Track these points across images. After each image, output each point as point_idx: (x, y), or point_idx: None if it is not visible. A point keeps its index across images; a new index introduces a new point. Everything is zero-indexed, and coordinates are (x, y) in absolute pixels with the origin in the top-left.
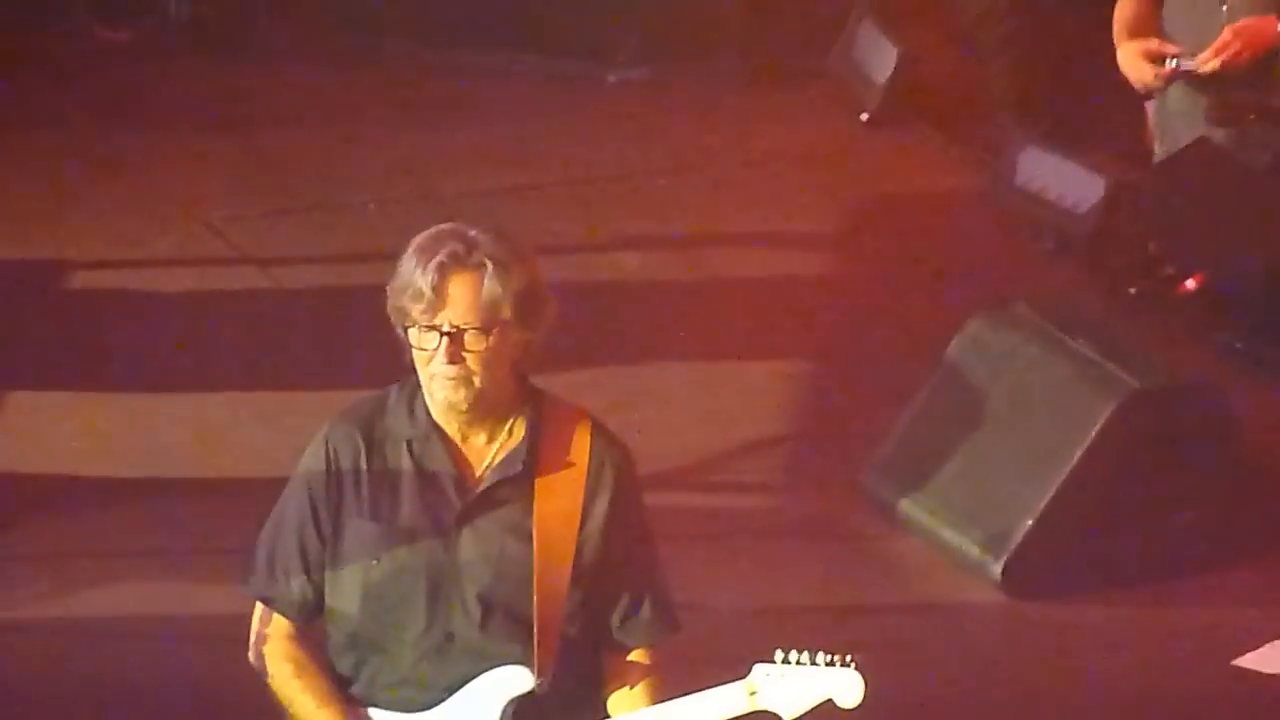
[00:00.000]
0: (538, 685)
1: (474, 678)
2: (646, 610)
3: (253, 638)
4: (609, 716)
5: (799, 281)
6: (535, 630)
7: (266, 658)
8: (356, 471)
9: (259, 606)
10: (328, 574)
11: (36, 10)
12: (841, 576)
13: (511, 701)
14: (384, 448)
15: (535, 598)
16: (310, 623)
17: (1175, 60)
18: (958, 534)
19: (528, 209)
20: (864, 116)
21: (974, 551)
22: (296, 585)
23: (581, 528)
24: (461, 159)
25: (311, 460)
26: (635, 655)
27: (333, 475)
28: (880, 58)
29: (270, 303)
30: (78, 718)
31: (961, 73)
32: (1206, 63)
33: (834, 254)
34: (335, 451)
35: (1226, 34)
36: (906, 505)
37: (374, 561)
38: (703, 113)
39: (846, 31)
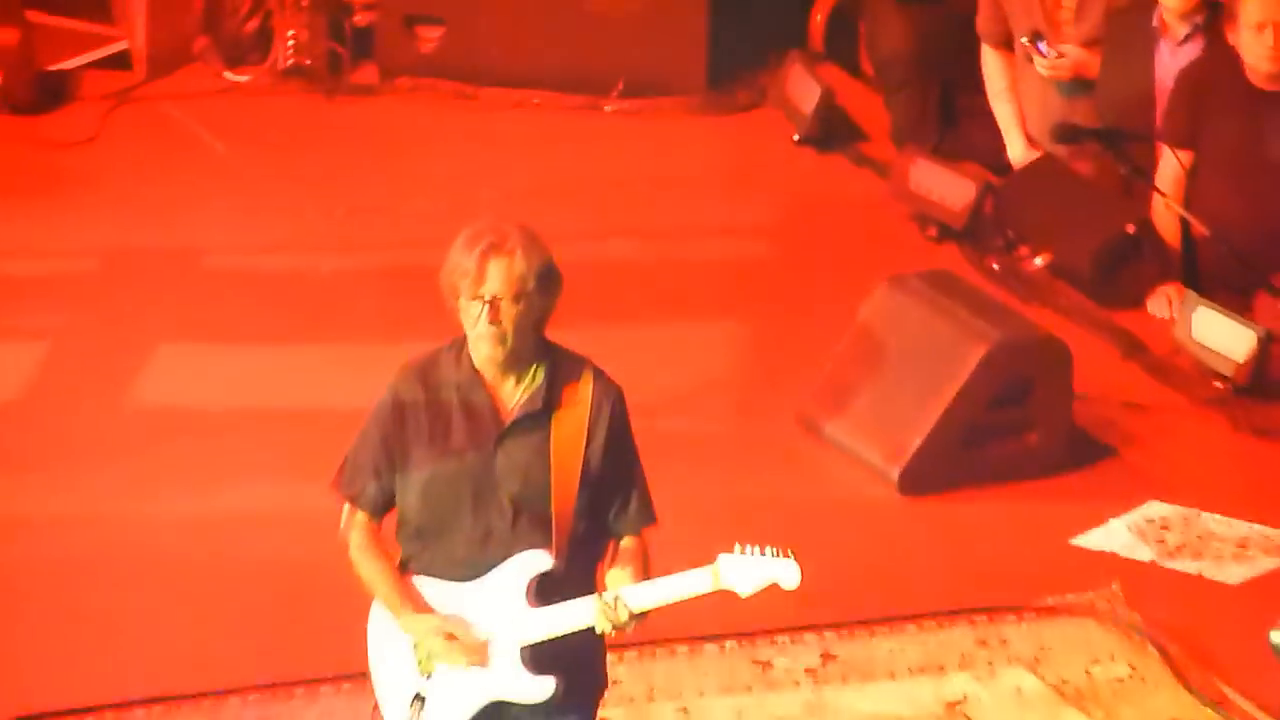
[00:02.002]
0: (554, 565)
1: (507, 559)
2: (634, 508)
3: (340, 526)
4: (607, 589)
5: (748, 262)
6: (553, 525)
7: (350, 541)
8: (417, 408)
9: (345, 504)
10: (396, 483)
11: (181, 56)
12: (782, 483)
13: (535, 577)
14: (438, 391)
15: (552, 501)
16: (380, 517)
17: (1033, 40)
18: (867, 449)
19: (543, 207)
20: (795, 138)
21: (879, 462)
22: (372, 490)
23: (586, 449)
24: (493, 170)
25: (384, 399)
26: (625, 542)
27: (399, 410)
28: (808, 93)
29: (350, 280)
30: (217, 587)
31: (868, 105)
32: (1048, 74)
33: (774, 241)
34: (401, 393)
35: (1062, 58)
36: (830, 428)
37: (431, 475)
38: (673, 135)
39: (781, 73)
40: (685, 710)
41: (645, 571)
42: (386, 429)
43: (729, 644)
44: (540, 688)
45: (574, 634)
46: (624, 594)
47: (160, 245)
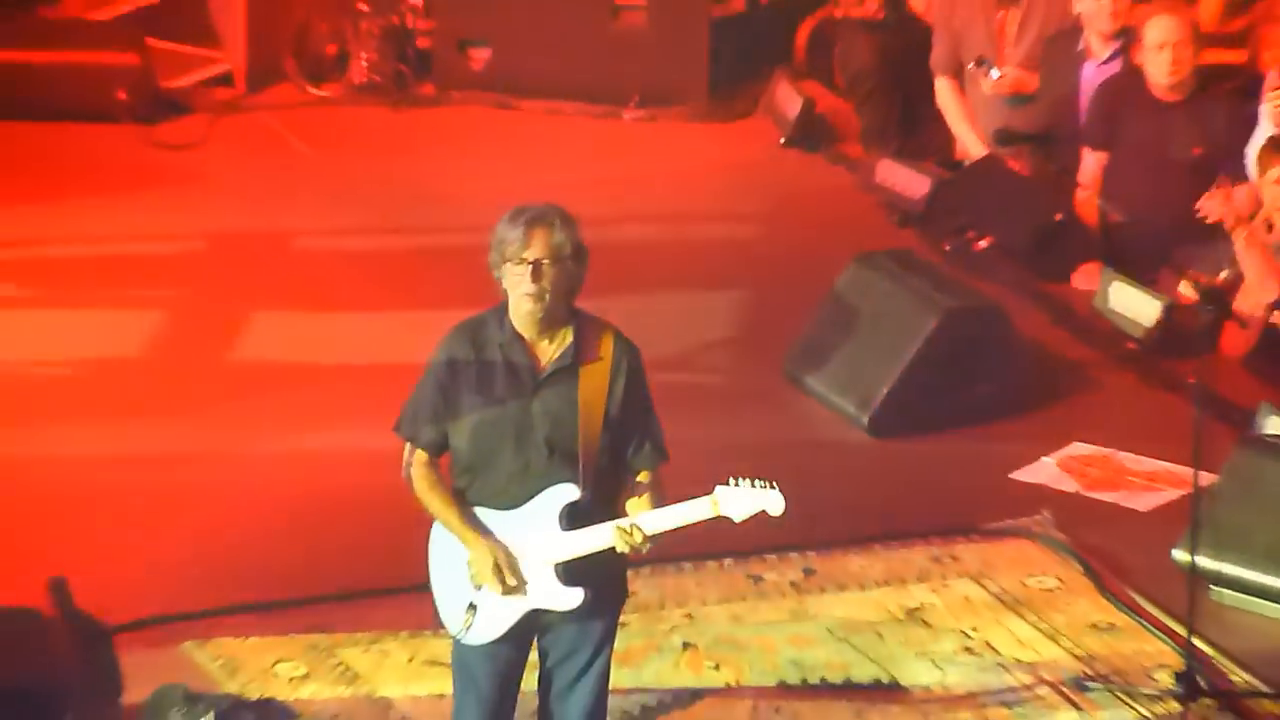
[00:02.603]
0: (581, 496)
1: (542, 491)
2: (648, 448)
3: (403, 463)
4: (625, 515)
5: (742, 242)
6: (580, 462)
7: (412, 476)
8: (467, 362)
9: (407, 444)
10: (450, 426)
11: (274, 74)
12: (770, 426)
13: (565, 506)
14: (484, 348)
15: (579, 441)
16: (437, 456)
17: (979, 63)
18: (842, 398)
19: (572, 197)
20: (781, 140)
21: (851, 409)
22: (429, 431)
23: (608, 398)
24: (531, 167)
25: (439, 355)
26: (642, 476)
27: (452, 365)
28: (792, 103)
29: (411, 257)
30: (306, 510)
31: (842, 113)
32: (992, 91)
33: (763, 225)
34: (454, 350)
35: (1004, 77)
36: (811, 380)
37: (479, 419)
38: (680, 138)
39: (770, 86)
40: (690, 616)
41: (660, 501)
42: (441, 380)
43: (727, 561)
44: (571, 597)
45: (598, 553)
46: (639, 520)
47: (256, 229)
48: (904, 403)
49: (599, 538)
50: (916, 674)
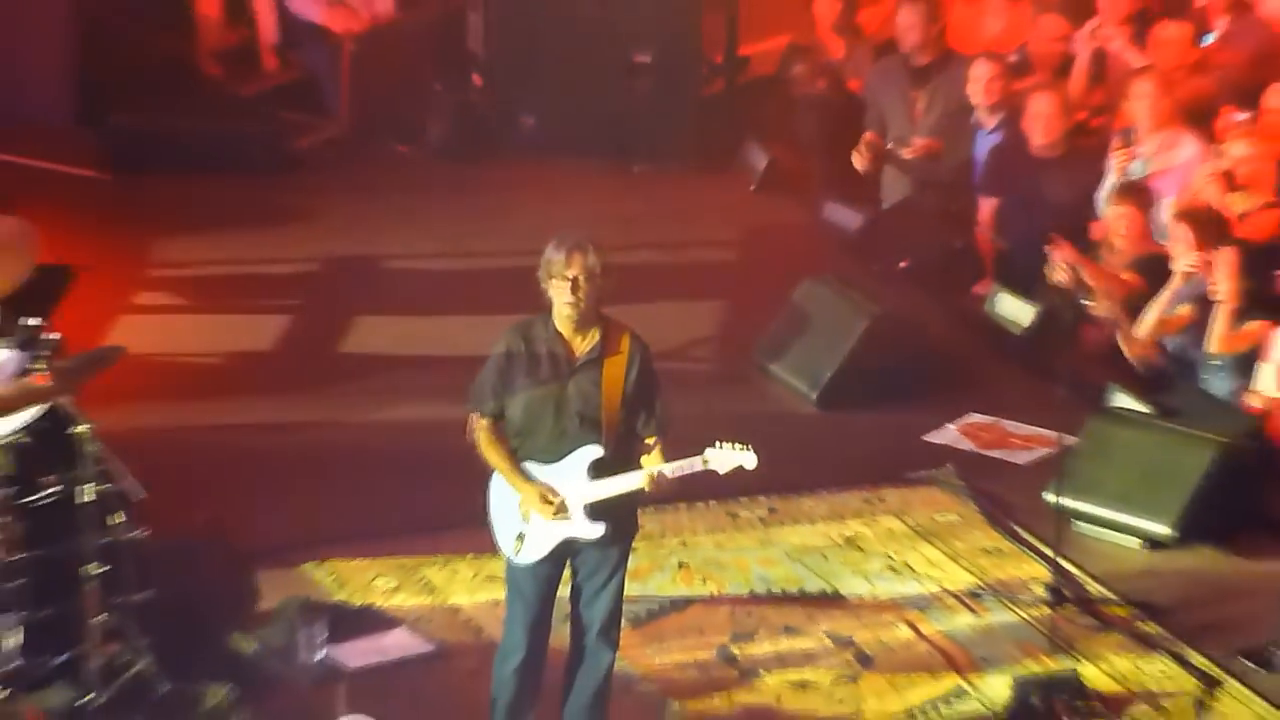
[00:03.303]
0: (604, 454)
1: (575, 450)
2: (655, 420)
3: (468, 429)
4: (638, 469)
5: (723, 263)
6: (604, 429)
7: (477, 439)
8: (520, 353)
9: (473, 415)
10: (506, 400)
11: (370, 137)
12: (744, 401)
13: (592, 461)
14: (533, 343)
15: (603, 414)
16: (497, 422)
17: (899, 139)
18: (797, 380)
19: (595, 227)
20: (752, 188)
21: (805, 389)
22: (491, 404)
23: (625, 382)
24: (566, 207)
25: (499, 347)
26: (649, 440)
27: (509, 354)
28: (759, 159)
29: (474, 275)
30: (398, 467)
31: (798, 166)
32: (908, 154)
33: (739, 250)
34: (510, 343)
35: (916, 143)
36: (774, 367)
37: (528, 396)
38: (677, 185)
39: (744, 148)
40: (684, 543)
41: (664, 458)
42: (500, 366)
43: (712, 502)
44: (596, 529)
45: (616, 498)
46: (662, 469)
47: (357, 254)
48: (844, 384)
49: (626, 483)
50: (853, 586)
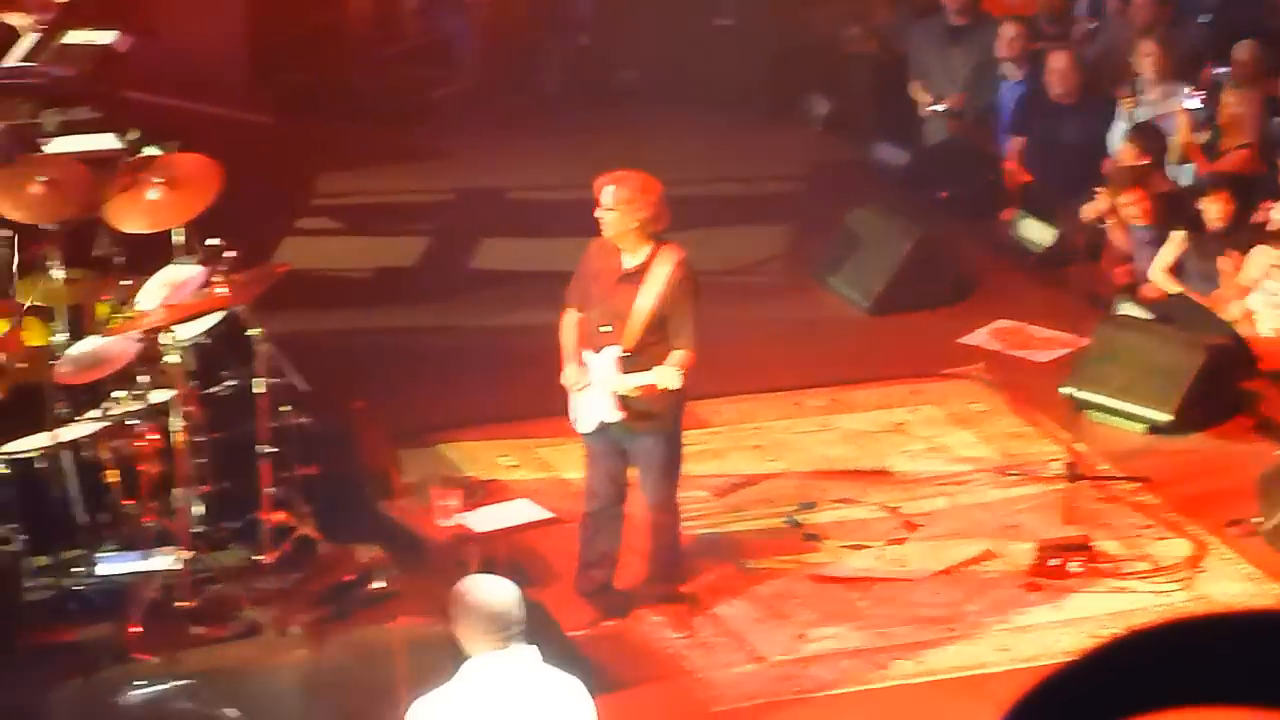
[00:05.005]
0: (629, 353)
1: (608, 345)
2: (682, 338)
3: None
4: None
5: (789, 194)
6: (631, 332)
7: (562, 323)
8: (590, 262)
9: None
10: (580, 298)
11: (495, 87)
12: (806, 309)
13: (618, 357)
14: (599, 255)
15: (632, 320)
16: (574, 313)
17: (935, 105)
18: (851, 290)
19: (684, 163)
20: (817, 128)
21: (858, 298)
22: (572, 299)
23: (657, 295)
24: (661, 142)
25: (580, 263)
26: (674, 352)
27: (583, 262)
28: (821, 106)
29: (580, 204)
30: (512, 363)
31: (854, 113)
32: (945, 104)
33: (803, 182)
34: (587, 253)
35: (954, 97)
36: (832, 280)
37: (587, 297)
38: (751, 127)
39: (808, 97)
40: (758, 427)
41: (683, 367)
42: (579, 270)
43: (780, 394)
44: (614, 414)
45: (646, 397)
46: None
47: (484, 185)
48: (892, 294)
49: (633, 380)
50: (899, 464)
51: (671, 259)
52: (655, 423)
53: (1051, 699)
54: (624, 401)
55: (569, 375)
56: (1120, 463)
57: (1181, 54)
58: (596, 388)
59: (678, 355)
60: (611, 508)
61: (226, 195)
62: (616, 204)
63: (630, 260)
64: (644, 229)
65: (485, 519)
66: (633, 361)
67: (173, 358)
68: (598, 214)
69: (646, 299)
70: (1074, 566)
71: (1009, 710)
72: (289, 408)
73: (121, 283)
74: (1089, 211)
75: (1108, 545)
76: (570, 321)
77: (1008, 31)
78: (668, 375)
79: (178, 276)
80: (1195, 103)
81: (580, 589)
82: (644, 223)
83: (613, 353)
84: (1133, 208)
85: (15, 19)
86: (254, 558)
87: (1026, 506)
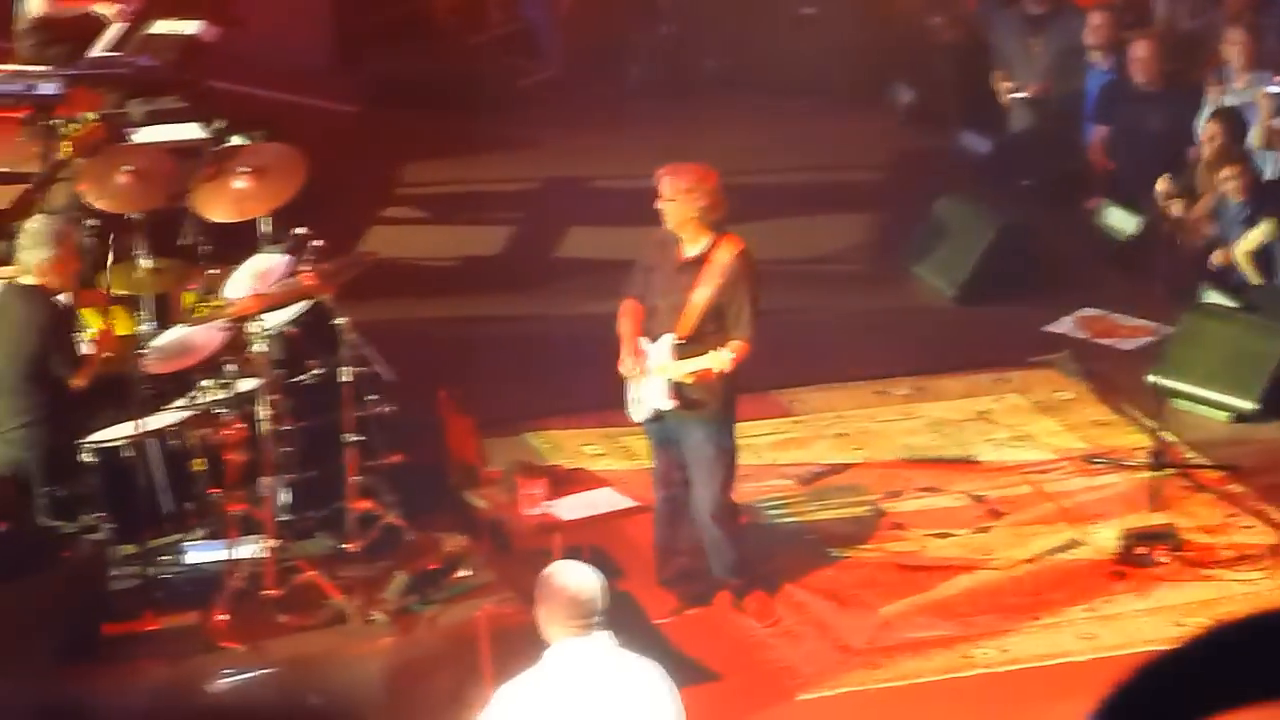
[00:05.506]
0: (676, 341)
1: (664, 333)
2: (739, 327)
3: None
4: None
5: (874, 183)
6: (686, 320)
7: (623, 310)
8: (652, 252)
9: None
10: (642, 288)
11: (582, 78)
12: (891, 297)
13: (673, 345)
14: (661, 245)
15: (687, 308)
16: (635, 302)
17: (1018, 93)
18: (937, 278)
19: (767, 150)
20: (900, 119)
21: (944, 286)
22: (635, 290)
23: (713, 285)
24: (736, 136)
25: (639, 253)
26: (730, 341)
27: (645, 255)
28: (904, 95)
29: (641, 196)
30: (598, 345)
31: (938, 101)
32: (1027, 93)
33: (889, 171)
34: (650, 243)
35: (1035, 85)
36: (917, 268)
37: (648, 285)
38: (834, 116)
39: (891, 86)
40: (841, 416)
41: (737, 356)
42: (640, 260)
43: (864, 383)
44: (669, 402)
45: (697, 386)
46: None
47: (569, 174)
48: (977, 283)
49: (691, 365)
50: (984, 452)
51: (732, 249)
52: (703, 412)
53: (1144, 691)
54: (676, 390)
55: (626, 364)
56: (1205, 451)
57: (1270, 42)
58: (652, 376)
59: (733, 345)
60: (681, 495)
61: (312, 184)
62: (675, 194)
63: (690, 250)
64: (703, 218)
65: (570, 507)
66: (688, 350)
67: (259, 346)
68: (658, 205)
69: (704, 288)
70: (1159, 555)
71: (1101, 701)
72: (374, 396)
73: (208, 272)
74: (1165, 192)
75: (1193, 534)
76: (629, 310)
77: (1095, 19)
78: (719, 358)
79: (264, 265)
80: (1278, 89)
81: (660, 577)
82: (703, 211)
83: (668, 341)
84: (1232, 182)
85: (102, 9)
86: (339, 546)
87: (1111, 495)
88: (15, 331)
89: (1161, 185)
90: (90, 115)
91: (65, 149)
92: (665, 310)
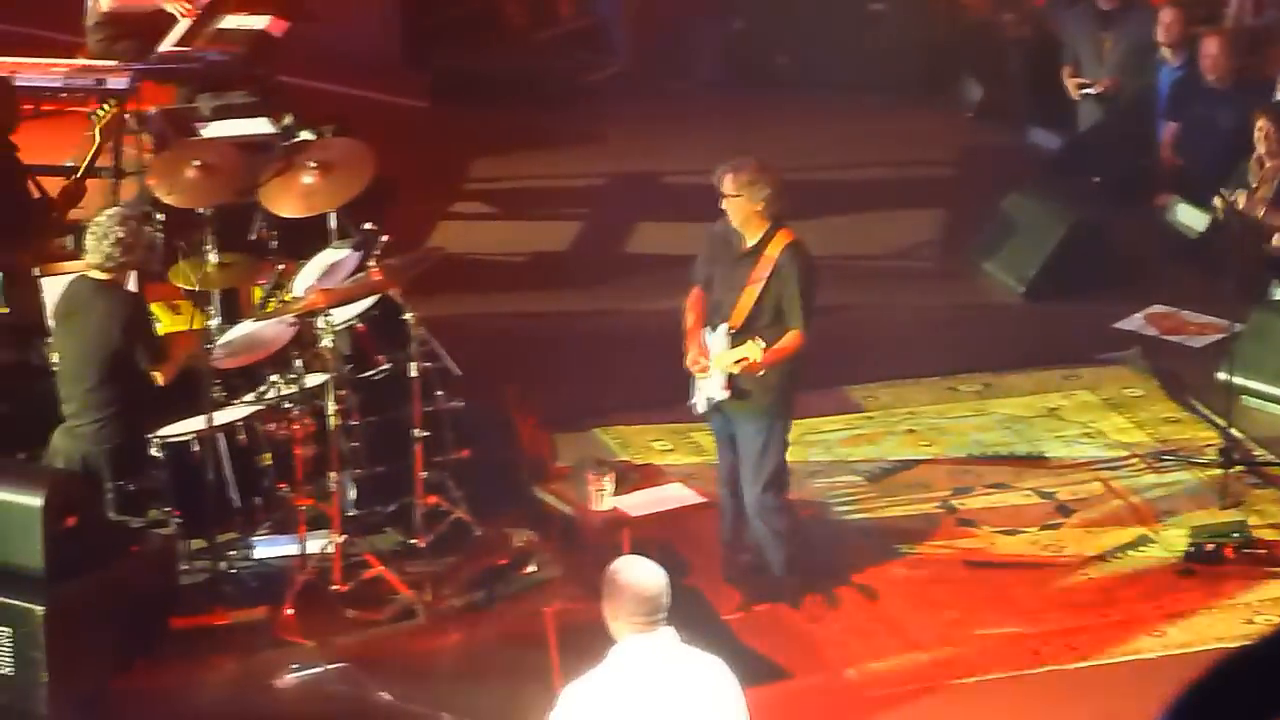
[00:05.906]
0: (731, 332)
1: (722, 323)
2: (795, 311)
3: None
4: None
5: (942, 180)
6: (740, 311)
7: (689, 302)
8: (715, 241)
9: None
10: (706, 276)
11: (649, 73)
12: (960, 294)
13: (730, 335)
14: (723, 235)
15: (741, 298)
16: (700, 291)
17: (1088, 88)
18: (1006, 274)
19: (836, 146)
20: (970, 115)
21: (1013, 282)
22: (697, 279)
23: (771, 276)
24: (807, 132)
25: (701, 245)
26: (793, 327)
27: (709, 241)
28: (974, 91)
29: (710, 192)
30: (662, 345)
31: (1008, 97)
32: (1096, 89)
33: (958, 168)
34: (713, 232)
35: (1105, 81)
36: (987, 265)
37: (709, 275)
38: (902, 114)
39: (961, 82)
40: (912, 412)
41: (784, 346)
42: (704, 253)
43: (936, 378)
44: (722, 392)
45: (748, 375)
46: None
47: (636, 170)
48: (1047, 279)
49: (734, 354)
50: (1054, 449)
51: (783, 241)
52: (752, 404)
53: (1216, 690)
54: (730, 381)
55: (690, 356)
56: (1275, 448)
57: None
58: (711, 367)
59: (787, 336)
60: (737, 492)
61: (380, 179)
62: (739, 189)
63: (749, 241)
64: (767, 209)
65: (638, 503)
66: (742, 340)
67: (327, 341)
68: (722, 204)
69: (758, 280)
70: (1230, 553)
71: (1173, 699)
72: (442, 392)
73: (276, 267)
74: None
75: (1263, 531)
76: (694, 302)
77: (1165, 16)
78: (754, 347)
79: (333, 260)
80: None
81: (726, 573)
82: (767, 201)
83: (723, 331)
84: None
85: (171, 6)
86: (407, 541)
87: (1181, 492)
88: (98, 327)
89: (1219, 199)
90: (111, 102)
91: (94, 135)
92: (725, 302)
